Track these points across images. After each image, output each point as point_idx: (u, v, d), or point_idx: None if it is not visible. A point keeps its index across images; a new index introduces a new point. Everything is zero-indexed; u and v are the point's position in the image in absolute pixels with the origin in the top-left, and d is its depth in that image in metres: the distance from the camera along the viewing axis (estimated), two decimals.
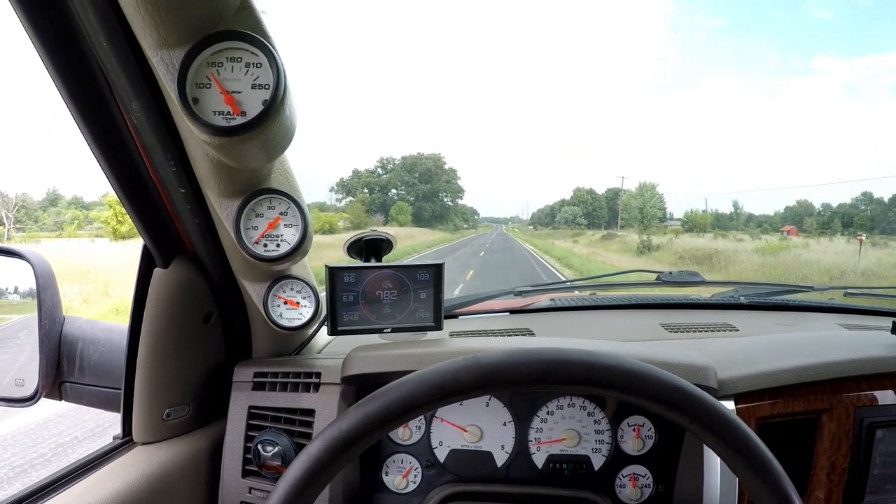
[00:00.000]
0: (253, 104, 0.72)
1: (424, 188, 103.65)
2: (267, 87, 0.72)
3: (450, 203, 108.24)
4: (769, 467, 0.62)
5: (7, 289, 1.19)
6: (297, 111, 0.80)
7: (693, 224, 78.40)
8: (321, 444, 0.59)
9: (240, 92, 0.72)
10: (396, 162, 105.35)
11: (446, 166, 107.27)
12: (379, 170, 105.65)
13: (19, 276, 1.13)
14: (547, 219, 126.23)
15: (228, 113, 0.72)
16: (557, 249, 42.13)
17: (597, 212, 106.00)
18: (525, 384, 0.61)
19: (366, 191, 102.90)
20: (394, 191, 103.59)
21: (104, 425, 5.17)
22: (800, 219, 78.07)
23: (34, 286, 1.11)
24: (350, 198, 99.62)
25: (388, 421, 0.59)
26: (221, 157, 0.79)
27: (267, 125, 0.72)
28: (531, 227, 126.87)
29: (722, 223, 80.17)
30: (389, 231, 1.17)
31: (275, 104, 0.71)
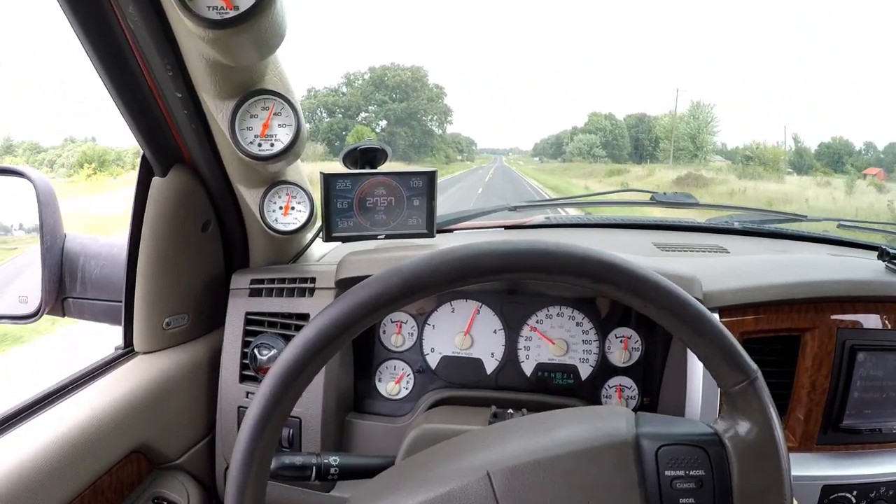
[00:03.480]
0: None
1: (399, 108, 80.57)
2: None
3: (435, 128, 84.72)
4: (685, 305, 0.64)
5: (12, 225, 1.24)
6: (285, 10, 0.84)
7: (763, 161, 55.33)
8: (294, 349, 0.62)
9: None
10: (366, 77, 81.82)
11: (429, 81, 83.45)
12: (343, 88, 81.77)
13: (20, 195, 1.17)
14: (552, 150, 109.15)
15: (222, 7, 0.78)
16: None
17: (617, 141, 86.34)
18: (446, 283, 0.63)
19: (321, 113, 79.56)
20: (363, 114, 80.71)
21: None
22: (838, 157, 61.71)
23: (36, 203, 1.15)
24: (307, 125, 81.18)
25: (323, 347, 0.61)
26: (216, 53, 0.84)
27: (258, 18, 0.78)
28: (536, 160, 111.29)
29: (806, 161, 59.72)
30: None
31: None
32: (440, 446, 0.78)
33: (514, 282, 1.21)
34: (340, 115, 79.58)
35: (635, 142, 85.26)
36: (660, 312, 0.64)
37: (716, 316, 0.66)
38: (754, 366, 0.65)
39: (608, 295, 0.66)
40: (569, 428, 0.72)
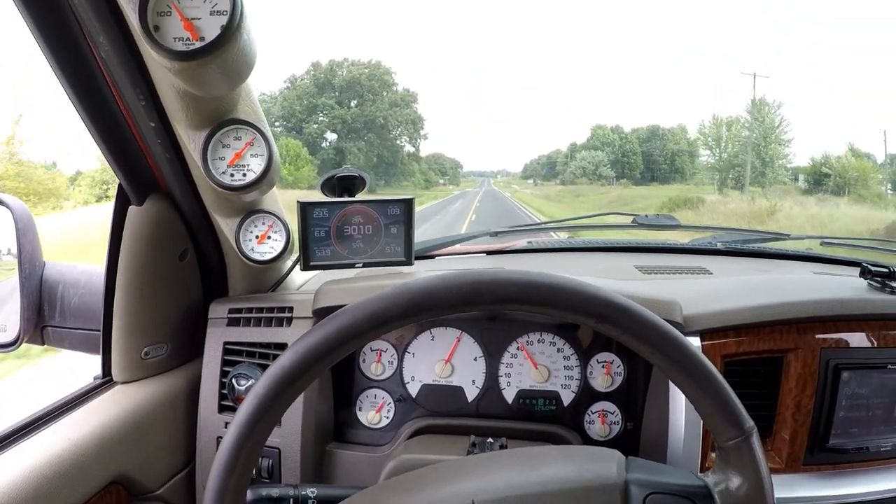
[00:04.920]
0: (211, 29, 0.78)
1: (349, 114, 60.36)
2: (224, 13, 0.77)
3: (406, 144, 65.86)
4: (691, 358, 0.64)
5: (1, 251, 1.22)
6: (256, 41, 0.84)
7: (845, 179, 37.32)
8: (266, 381, 0.62)
9: (199, 18, 0.78)
10: (311, 77, 62.02)
11: (396, 84, 63.35)
12: (286, 93, 62.22)
13: None
14: (544, 170, 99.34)
15: (188, 39, 0.78)
16: None
17: (628, 158, 72.23)
18: (457, 306, 0.63)
19: None
20: (313, 125, 60.76)
21: None
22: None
23: (14, 231, 1.14)
24: None
25: (327, 353, 0.62)
26: (185, 83, 0.84)
27: (224, 48, 0.78)
28: (530, 182, 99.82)
29: None
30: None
31: (231, 28, 0.77)
32: (425, 471, 0.77)
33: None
34: (280, 128, 59.94)
35: (647, 160, 72.86)
36: (663, 360, 0.65)
37: (717, 371, 0.66)
38: (751, 422, 0.66)
39: (612, 336, 0.66)
40: (558, 465, 0.72)
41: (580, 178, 71.76)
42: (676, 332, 0.64)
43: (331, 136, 62.10)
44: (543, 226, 2.06)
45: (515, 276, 0.63)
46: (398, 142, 65.48)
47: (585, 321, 0.64)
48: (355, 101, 62.45)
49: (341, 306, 1.07)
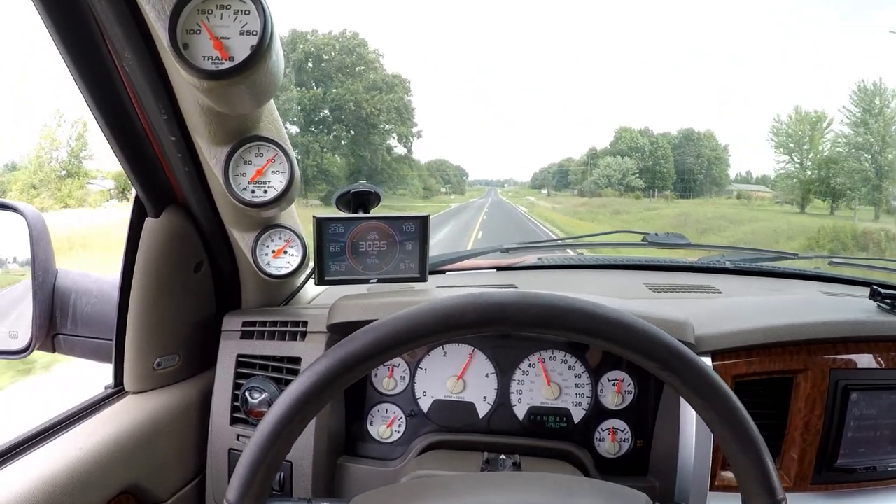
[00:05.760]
0: (241, 49, 0.78)
1: (307, 97, 45.53)
2: (254, 33, 0.78)
3: (393, 142, 51.12)
4: (742, 422, 0.66)
5: (6, 259, 1.23)
6: (282, 59, 0.84)
7: None
8: (306, 378, 0.63)
9: (228, 38, 0.79)
10: None
11: (376, 64, 48.04)
12: None
13: (12, 230, 1.16)
14: (555, 180, 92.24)
15: (217, 58, 0.78)
16: None
17: (659, 166, 62.43)
18: (527, 326, 0.64)
19: None
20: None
21: None
22: None
23: (28, 239, 1.15)
24: None
25: (396, 345, 0.63)
26: (211, 101, 0.84)
27: (254, 69, 0.78)
28: (544, 192, 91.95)
29: None
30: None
31: (261, 49, 0.77)
32: (448, 479, 0.77)
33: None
34: None
35: (681, 168, 63.33)
36: (713, 416, 0.66)
37: (761, 436, 0.67)
38: (783, 493, 0.67)
39: (669, 383, 0.67)
40: (588, 499, 0.73)
41: (605, 188, 62.94)
42: (731, 392, 0.66)
43: (292, 129, 45.44)
44: (553, 243, 2.07)
45: (591, 308, 0.64)
46: (379, 138, 50.36)
47: (647, 365, 0.66)
48: (321, 87, 47.70)
49: (356, 322, 1.08)
